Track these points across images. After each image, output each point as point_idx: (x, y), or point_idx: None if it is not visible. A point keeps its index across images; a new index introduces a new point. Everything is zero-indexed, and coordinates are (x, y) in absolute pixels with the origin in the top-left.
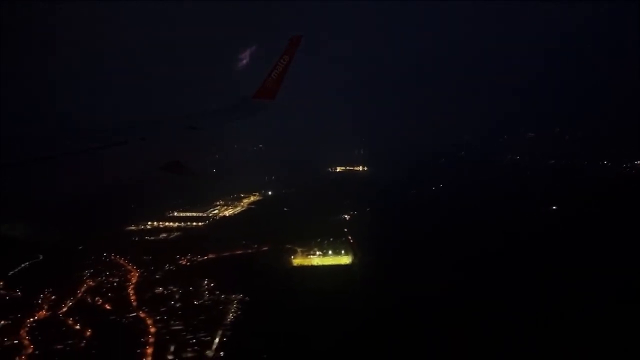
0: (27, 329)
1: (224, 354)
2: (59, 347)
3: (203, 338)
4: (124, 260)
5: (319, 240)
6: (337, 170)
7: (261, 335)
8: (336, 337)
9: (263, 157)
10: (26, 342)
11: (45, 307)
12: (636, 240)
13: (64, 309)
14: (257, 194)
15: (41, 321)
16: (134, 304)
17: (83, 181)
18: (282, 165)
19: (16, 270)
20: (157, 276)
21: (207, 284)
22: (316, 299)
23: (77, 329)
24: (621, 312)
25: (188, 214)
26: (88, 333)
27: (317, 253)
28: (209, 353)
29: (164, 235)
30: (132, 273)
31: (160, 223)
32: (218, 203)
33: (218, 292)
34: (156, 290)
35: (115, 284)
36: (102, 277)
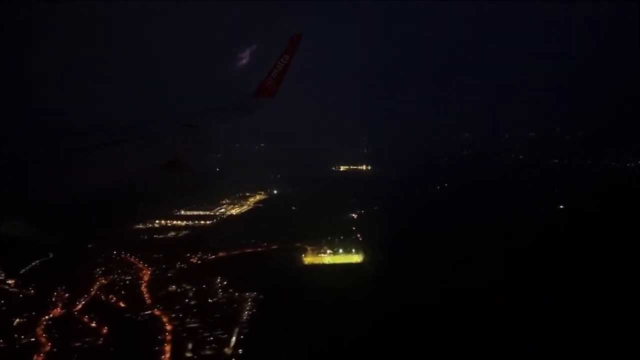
0: (43, 326)
1: (242, 352)
2: (76, 344)
3: (220, 336)
4: (134, 258)
5: (329, 238)
6: (341, 169)
7: (279, 333)
8: (354, 335)
9: (265, 155)
10: (43, 339)
11: (60, 305)
12: None
13: (79, 307)
14: (263, 192)
15: (57, 319)
16: (148, 301)
17: (83, 180)
18: (285, 164)
19: (27, 268)
20: (169, 274)
21: (219, 282)
22: (331, 297)
23: (94, 327)
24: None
25: (195, 213)
26: (104, 331)
27: (328, 251)
28: (228, 351)
29: (173, 233)
30: (144, 271)
31: (168, 221)
32: (224, 202)
33: (231, 290)
34: (169, 288)
35: (127, 282)
36: (114, 275)
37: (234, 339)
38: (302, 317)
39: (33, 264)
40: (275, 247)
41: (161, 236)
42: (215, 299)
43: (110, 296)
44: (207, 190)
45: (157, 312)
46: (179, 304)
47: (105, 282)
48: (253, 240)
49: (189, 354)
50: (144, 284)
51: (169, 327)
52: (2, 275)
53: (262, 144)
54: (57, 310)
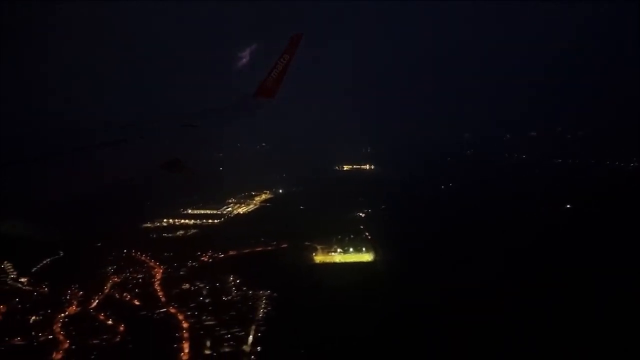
0: (60, 324)
1: (260, 349)
2: (95, 342)
3: (238, 333)
4: (145, 257)
5: (339, 237)
6: (344, 168)
7: (296, 331)
8: (372, 334)
9: (267, 155)
10: (61, 337)
11: (75, 302)
12: None
13: (94, 305)
14: (268, 192)
15: (72, 316)
16: (163, 299)
17: (83, 180)
18: (287, 163)
19: (38, 266)
20: (181, 272)
21: (232, 280)
22: (346, 295)
23: (111, 325)
24: None
25: (202, 212)
26: (122, 328)
27: (338, 250)
28: (246, 348)
29: (181, 232)
30: (156, 269)
31: (176, 220)
32: (230, 201)
33: (245, 289)
34: (183, 286)
35: (140, 280)
36: (126, 274)
37: (251, 336)
38: (319, 315)
39: (44, 262)
40: (285, 245)
41: (170, 235)
42: (229, 297)
43: (125, 294)
44: (212, 189)
45: (172, 310)
46: (194, 301)
47: (118, 280)
48: (262, 239)
49: (207, 352)
50: (157, 282)
51: (185, 325)
52: (15, 273)
53: (264, 144)
54: (73, 308)
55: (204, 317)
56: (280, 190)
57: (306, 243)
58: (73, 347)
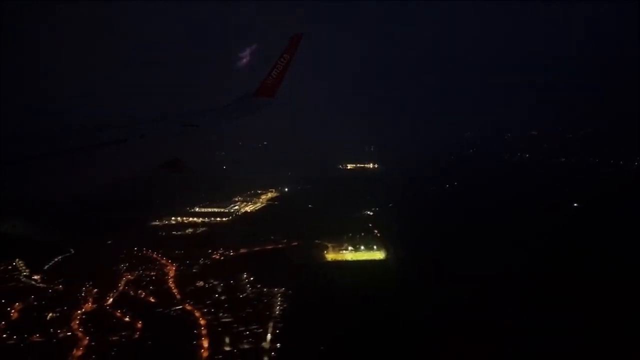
0: (77, 321)
1: (279, 346)
2: (113, 338)
3: (256, 330)
4: (157, 254)
5: (349, 235)
6: (348, 167)
7: (313, 328)
8: (389, 331)
9: (269, 154)
10: (80, 334)
11: (90, 299)
12: None
13: (110, 301)
14: (273, 190)
15: (90, 313)
16: (178, 296)
17: (83, 179)
18: (291, 162)
19: (50, 264)
20: (193, 270)
21: (246, 278)
22: (360, 293)
23: (128, 321)
24: None
25: (209, 210)
26: (139, 325)
27: (349, 248)
28: (265, 345)
29: (190, 230)
30: (168, 267)
31: (184, 218)
32: (236, 199)
33: (259, 286)
34: (197, 284)
35: (153, 277)
36: (139, 271)
37: (269, 333)
38: (335, 313)
39: (55, 259)
40: (296, 243)
41: (179, 233)
42: (244, 294)
43: (139, 291)
44: (218, 187)
45: (188, 307)
46: (209, 299)
47: (132, 277)
48: (272, 237)
49: (227, 348)
50: (171, 280)
51: (202, 322)
52: (27, 271)
53: (265, 142)
54: (89, 305)
55: (221, 314)
56: (286, 189)
57: (316, 241)
58: (93, 343)
